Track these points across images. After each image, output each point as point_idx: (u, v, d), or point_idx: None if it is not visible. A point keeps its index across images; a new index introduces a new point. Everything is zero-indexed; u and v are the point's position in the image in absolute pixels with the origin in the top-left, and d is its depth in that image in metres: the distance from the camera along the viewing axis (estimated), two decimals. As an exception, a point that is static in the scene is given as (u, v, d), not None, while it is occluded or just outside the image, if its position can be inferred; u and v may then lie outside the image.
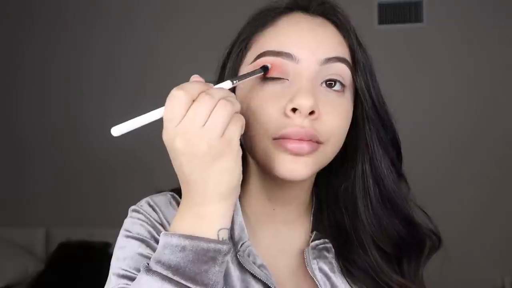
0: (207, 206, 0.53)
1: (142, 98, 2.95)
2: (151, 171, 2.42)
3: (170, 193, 0.70)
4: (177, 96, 0.50)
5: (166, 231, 0.64)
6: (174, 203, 0.68)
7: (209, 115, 0.50)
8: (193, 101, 0.51)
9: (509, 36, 2.75)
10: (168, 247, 0.52)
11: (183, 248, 0.51)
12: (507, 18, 2.74)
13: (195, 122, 0.50)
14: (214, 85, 0.56)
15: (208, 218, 0.53)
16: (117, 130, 0.51)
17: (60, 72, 3.10)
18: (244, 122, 0.55)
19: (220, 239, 0.53)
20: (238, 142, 0.53)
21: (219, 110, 0.51)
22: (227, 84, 0.57)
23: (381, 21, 2.86)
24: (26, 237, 2.91)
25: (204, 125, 0.50)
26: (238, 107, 0.54)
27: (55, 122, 3.10)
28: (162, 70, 2.98)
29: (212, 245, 0.52)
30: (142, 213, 0.66)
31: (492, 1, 2.74)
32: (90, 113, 3.06)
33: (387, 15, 2.86)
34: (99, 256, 2.37)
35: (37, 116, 3.13)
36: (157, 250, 0.53)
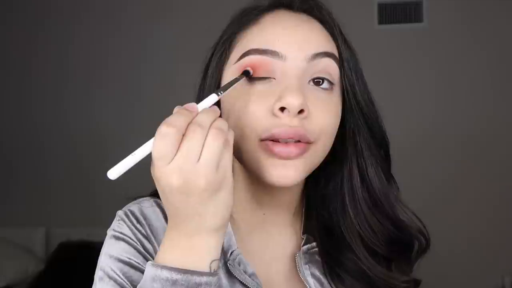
0: (200, 238, 0.51)
1: (134, 98, 2.97)
2: (150, 170, 2.41)
3: (154, 199, 0.68)
4: (167, 134, 0.48)
5: (151, 243, 0.63)
6: (158, 210, 0.66)
7: (202, 148, 0.48)
8: (183, 135, 0.48)
9: (510, 36, 2.75)
10: (158, 280, 0.50)
11: (175, 282, 0.49)
12: (507, 17, 2.74)
13: (189, 158, 0.48)
14: (198, 101, 0.54)
15: (200, 250, 0.51)
16: (114, 173, 0.49)
17: (62, 72, 3.10)
18: (232, 146, 0.52)
19: (212, 271, 0.52)
20: (231, 171, 0.51)
21: (212, 141, 0.49)
22: (213, 98, 0.54)
23: (381, 21, 2.85)
24: (26, 237, 2.91)
25: (198, 160, 0.48)
26: (231, 133, 0.52)
27: (56, 122, 3.10)
28: (157, 71, 2.98)
29: (204, 279, 0.50)
30: (127, 225, 0.64)
31: (492, 1, 2.74)
32: (91, 113, 3.06)
33: (387, 15, 2.85)
34: (99, 256, 2.37)
35: (37, 116, 3.13)
36: (144, 281, 0.51)
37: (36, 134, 3.11)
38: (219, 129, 0.49)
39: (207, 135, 0.49)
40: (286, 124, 0.57)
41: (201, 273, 0.50)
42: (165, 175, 0.49)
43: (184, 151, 0.48)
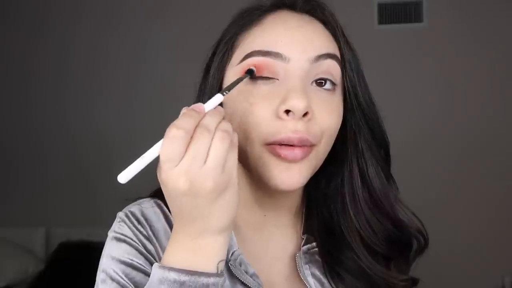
0: (207, 239, 0.51)
1: (133, 97, 2.97)
2: (150, 170, 2.41)
3: (154, 200, 0.68)
4: (176, 137, 0.48)
5: (152, 244, 0.63)
6: (158, 211, 0.66)
7: (208, 150, 0.48)
8: (191, 137, 0.48)
9: (510, 36, 2.75)
10: (166, 282, 0.50)
11: (182, 284, 0.49)
12: (507, 17, 2.73)
13: (196, 161, 0.48)
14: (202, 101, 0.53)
15: (208, 251, 0.51)
16: (124, 177, 0.49)
17: (62, 72, 3.10)
18: (237, 147, 0.52)
19: (219, 271, 0.52)
20: (236, 171, 0.52)
21: (219, 143, 0.49)
22: (218, 98, 0.54)
23: (381, 21, 2.85)
24: (26, 237, 2.91)
25: (205, 162, 0.48)
26: (235, 135, 0.52)
27: (56, 122, 3.10)
28: (155, 70, 2.98)
29: (212, 279, 0.51)
30: (128, 226, 0.64)
31: (492, 0, 2.74)
32: (91, 113, 3.07)
33: (387, 15, 2.85)
34: (99, 256, 2.37)
35: (37, 116, 3.13)
36: (150, 282, 0.51)
37: (36, 134, 3.11)
38: (225, 131, 0.49)
39: (213, 137, 0.49)
40: (291, 129, 0.57)
41: (208, 274, 0.51)
42: (172, 178, 0.48)
43: (191, 154, 0.48)
